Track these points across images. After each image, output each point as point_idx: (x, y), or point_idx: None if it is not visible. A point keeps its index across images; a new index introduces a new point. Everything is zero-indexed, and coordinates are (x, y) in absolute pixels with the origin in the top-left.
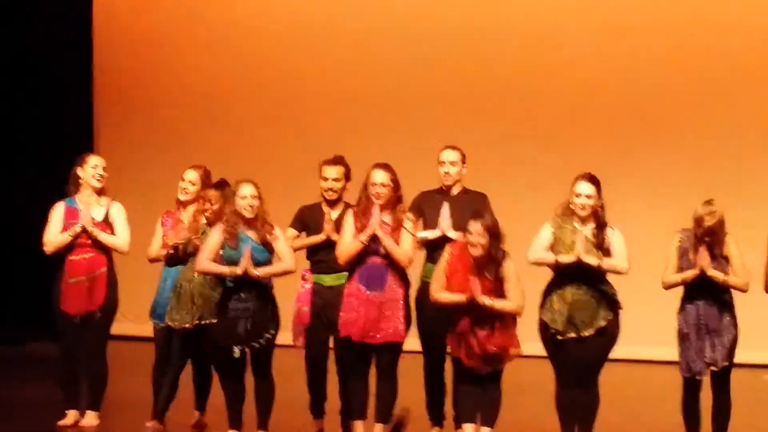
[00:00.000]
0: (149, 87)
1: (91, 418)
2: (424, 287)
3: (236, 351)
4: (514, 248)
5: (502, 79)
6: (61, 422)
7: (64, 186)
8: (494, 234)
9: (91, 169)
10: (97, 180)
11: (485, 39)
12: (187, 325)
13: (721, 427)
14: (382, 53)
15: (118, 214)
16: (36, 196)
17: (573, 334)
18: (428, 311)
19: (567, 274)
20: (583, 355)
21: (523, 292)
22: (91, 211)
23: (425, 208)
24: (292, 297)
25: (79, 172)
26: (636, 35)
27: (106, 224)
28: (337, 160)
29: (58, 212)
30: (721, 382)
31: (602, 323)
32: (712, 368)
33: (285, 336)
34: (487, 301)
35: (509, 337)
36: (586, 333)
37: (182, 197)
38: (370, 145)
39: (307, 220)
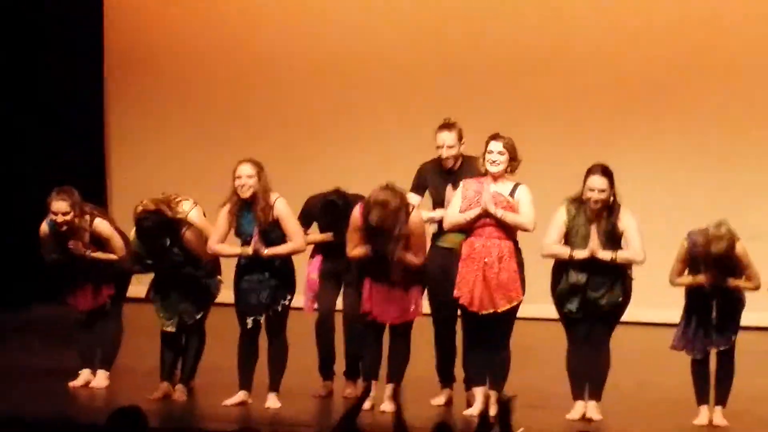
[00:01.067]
0: (162, 79)
1: (101, 379)
2: (436, 251)
3: (249, 322)
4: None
5: (515, 59)
6: (73, 383)
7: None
8: (513, 153)
9: (52, 215)
10: (62, 227)
11: (499, 21)
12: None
13: (724, 391)
14: (394, 40)
15: (105, 229)
16: (40, 165)
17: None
18: (439, 274)
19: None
20: (595, 316)
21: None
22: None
23: (429, 181)
24: (303, 262)
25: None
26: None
27: (93, 244)
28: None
29: (43, 233)
30: (726, 351)
31: (616, 294)
32: (721, 348)
33: (298, 299)
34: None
35: (515, 276)
36: (601, 302)
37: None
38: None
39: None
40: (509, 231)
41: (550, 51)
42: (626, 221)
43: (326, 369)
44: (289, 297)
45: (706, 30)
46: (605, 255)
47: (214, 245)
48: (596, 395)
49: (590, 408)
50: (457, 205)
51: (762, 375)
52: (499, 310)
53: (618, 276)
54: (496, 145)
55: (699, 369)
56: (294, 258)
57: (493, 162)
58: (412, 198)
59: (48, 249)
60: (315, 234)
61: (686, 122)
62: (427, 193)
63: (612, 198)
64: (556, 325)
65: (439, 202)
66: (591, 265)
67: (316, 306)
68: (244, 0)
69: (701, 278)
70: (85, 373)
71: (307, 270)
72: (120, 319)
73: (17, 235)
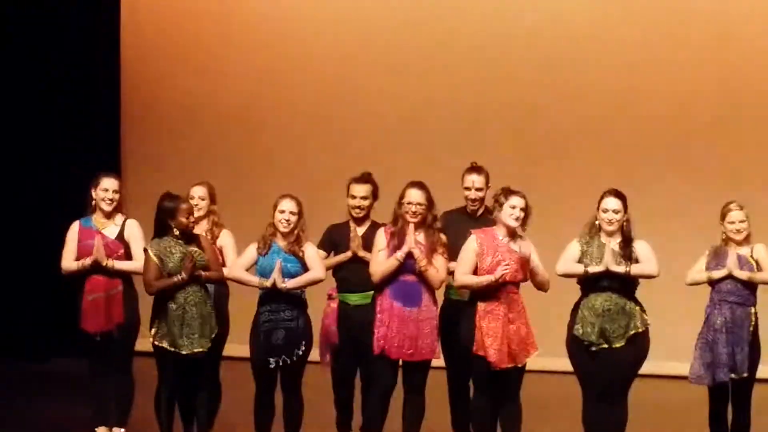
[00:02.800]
0: (176, 103)
1: None
2: (450, 304)
3: (272, 362)
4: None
5: (527, 93)
6: None
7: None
8: (528, 210)
9: (102, 192)
10: (107, 203)
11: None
12: (199, 350)
13: None
14: (408, 69)
15: (134, 232)
16: (61, 212)
17: (605, 345)
18: (456, 327)
19: (596, 287)
20: (614, 367)
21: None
22: (104, 231)
23: (450, 231)
24: (319, 314)
25: (93, 192)
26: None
27: (120, 242)
28: (366, 178)
29: (72, 233)
30: (743, 396)
31: (633, 332)
32: (733, 376)
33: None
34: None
35: (530, 330)
36: (618, 344)
37: (196, 213)
38: (397, 162)
39: (335, 239)
40: (520, 286)
41: (569, 87)
42: (640, 246)
43: (345, 425)
44: (304, 347)
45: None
46: (619, 268)
47: (235, 270)
48: None
49: None
50: (467, 263)
51: None
52: (519, 365)
53: (635, 309)
54: (519, 201)
55: (716, 419)
56: (310, 306)
57: (517, 218)
58: None
59: (69, 253)
60: (331, 257)
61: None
62: None
63: (626, 223)
64: (570, 379)
65: (457, 251)
66: (608, 302)
67: (329, 360)
68: (270, 34)
69: (719, 273)
70: (101, 430)
71: (324, 322)
72: (130, 374)
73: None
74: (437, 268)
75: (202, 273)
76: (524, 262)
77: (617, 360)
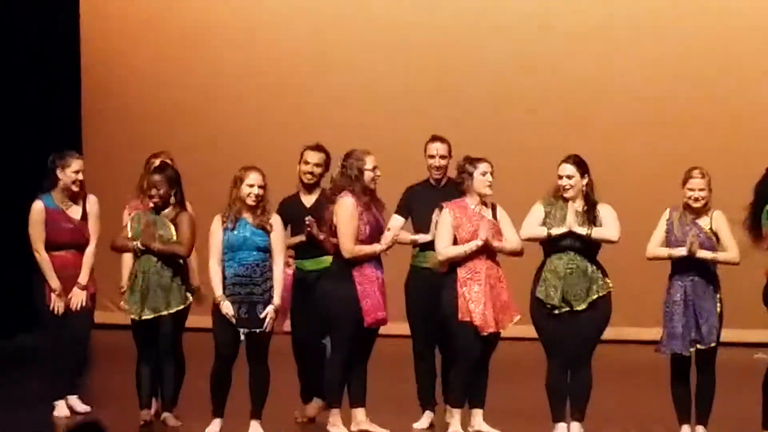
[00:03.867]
0: (138, 83)
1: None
2: (414, 272)
3: (242, 333)
4: None
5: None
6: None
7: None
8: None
9: (73, 174)
10: (77, 185)
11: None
12: (148, 317)
13: (705, 409)
14: (383, 48)
15: (94, 209)
16: (21, 191)
17: (567, 309)
18: (421, 295)
19: (559, 249)
20: (577, 331)
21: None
22: (69, 212)
23: (414, 204)
24: None
25: (59, 173)
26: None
27: (85, 221)
28: (320, 147)
29: (39, 215)
30: (706, 363)
31: (594, 296)
32: (699, 346)
33: None
34: (496, 243)
35: (510, 294)
36: (580, 307)
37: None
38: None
39: (287, 214)
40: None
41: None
42: (604, 210)
43: (307, 392)
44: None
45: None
46: (582, 230)
47: (213, 269)
48: (579, 416)
49: (573, 428)
50: (447, 236)
51: (740, 392)
52: (502, 330)
53: (597, 272)
54: (488, 167)
55: (679, 386)
56: None
57: (490, 184)
58: (395, 219)
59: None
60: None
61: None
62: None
63: (586, 187)
64: (536, 346)
65: (424, 224)
66: (570, 265)
67: (287, 326)
68: (233, 15)
69: (679, 252)
70: (61, 404)
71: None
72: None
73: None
74: (508, 237)
75: (157, 246)
76: (497, 228)
77: (580, 324)
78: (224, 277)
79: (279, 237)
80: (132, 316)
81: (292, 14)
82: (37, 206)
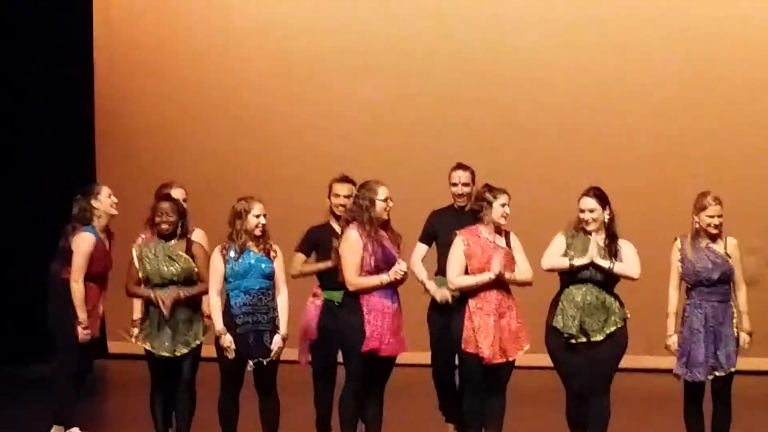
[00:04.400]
0: (151, 115)
1: None
2: (434, 300)
3: (250, 364)
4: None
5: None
6: None
7: (64, 209)
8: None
9: (107, 198)
10: (115, 209)
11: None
12: (166, 354)
13: None
14: (389, 68)
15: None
16: (36, 217)
17: (584, 339)
18: (438, 322)
19: (577, 279)
20: (594, 361)
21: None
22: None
23: (440, 229)
24: (298, 313)
25: (94, 203)
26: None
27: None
28: (347, 178)
29: (89, 246)
30: (723, 390)
31: (612, 328)
32: (717, 373)
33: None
34: (508, 275)
35: (522, 324)
36: (597, 338)
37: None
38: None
39: (316, 240)
40: None
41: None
42: (625, 245)
43: (324, 423)
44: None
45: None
46: (604, 262)
47: (212, 299)
48: None
49: None
50: (458, 265)
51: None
52: (511, 359)
53: (615, 304)
54: (507, 198)
55: (693, 414)
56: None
57: (507, 215)
58: (420, 248)
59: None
60: (311, 262)
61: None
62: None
63: (608, 219)
64: (554, 374)
65: (447, 246)
66: (589, 296)
67: (310, 358)
68: (245, 47)
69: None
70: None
71: (305, 319)
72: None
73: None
74: (520, 268)
75: (181, 295)
76: (510, 257)
77: (597, 354)
78: (230, 307)
79: (282, 264)
80: (152, 350)
81: (303, 35)
82: (89, 238)
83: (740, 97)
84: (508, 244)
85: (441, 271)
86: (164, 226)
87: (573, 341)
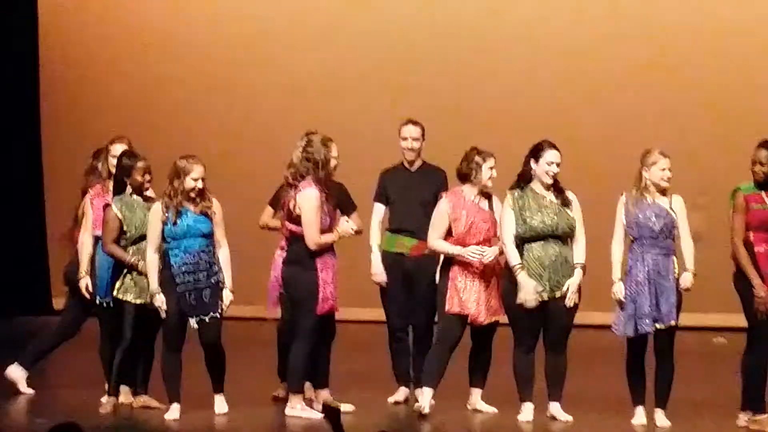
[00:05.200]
0: (94, 75)
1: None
2: (386, 257)
3: (193, 322)
4: None
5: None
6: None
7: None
8: None
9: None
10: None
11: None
12: (139, 301)
13: (665, 393)
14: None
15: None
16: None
17: (550, 296)
18: (395, 279)
19: (539, 237)
20: (554, 317)
21: None
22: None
23: (390, 187)
24: (262, 266)
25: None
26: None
27: None
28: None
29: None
30: (665, 345)
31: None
32: (658, 325)
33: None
34: (493, 259)
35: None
36: (558, 294)
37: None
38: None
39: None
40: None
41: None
42: (574, 200)
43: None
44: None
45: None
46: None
47: (149, 254)
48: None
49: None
50: (441, 226)
51: (698, 376)
52: (498, 319)
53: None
54: (493, 161)
55: (634, 368)
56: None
57: (493, 179)
58: (378, 208)
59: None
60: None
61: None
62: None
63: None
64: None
65: (399, 206)
66: (551, 262)
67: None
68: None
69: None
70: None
71: (272, 272)
72: None
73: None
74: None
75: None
76: (493, 220)
77: (557, 311)
78: (170, 267)
79: (221, 221)
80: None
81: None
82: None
83: (689, 59)
84: (490, 207)
85: (394, 229)
86: (148, 185)
87: (540, 299)
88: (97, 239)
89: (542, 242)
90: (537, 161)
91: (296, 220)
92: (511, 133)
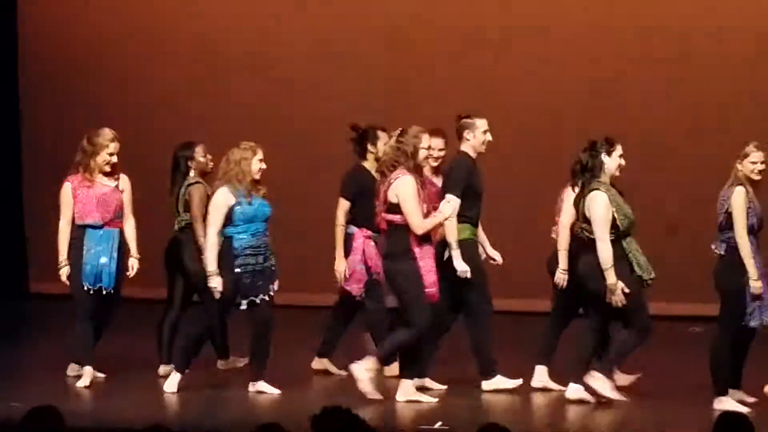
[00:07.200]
0: (76, 65)
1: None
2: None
3: (243, 303)
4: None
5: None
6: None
7: None
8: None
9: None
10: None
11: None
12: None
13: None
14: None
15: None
16: None
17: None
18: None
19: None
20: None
21: None
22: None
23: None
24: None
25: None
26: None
27: None
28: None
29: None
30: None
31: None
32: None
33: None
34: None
35: None
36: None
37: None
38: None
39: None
40: None
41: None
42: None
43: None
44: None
45: None
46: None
47: (211, 238)
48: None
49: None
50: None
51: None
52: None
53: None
54: (438, 142)
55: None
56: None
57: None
58: (454, 199)
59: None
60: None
61: None
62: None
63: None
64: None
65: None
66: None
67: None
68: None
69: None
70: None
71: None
72: None
73: None
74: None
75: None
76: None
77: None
78: (232, 249)
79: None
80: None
81: None
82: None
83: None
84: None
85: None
86: (211, 165)
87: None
88: (82, 227)
89: (627, 236)
90: (610, 155)
91: (392, 209)
92: (511, 133)
